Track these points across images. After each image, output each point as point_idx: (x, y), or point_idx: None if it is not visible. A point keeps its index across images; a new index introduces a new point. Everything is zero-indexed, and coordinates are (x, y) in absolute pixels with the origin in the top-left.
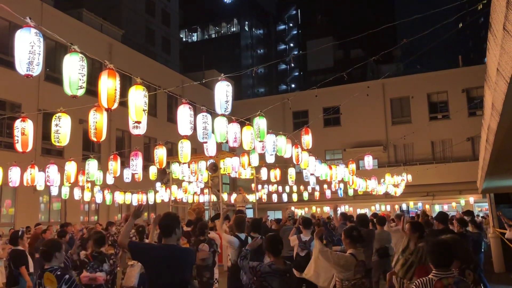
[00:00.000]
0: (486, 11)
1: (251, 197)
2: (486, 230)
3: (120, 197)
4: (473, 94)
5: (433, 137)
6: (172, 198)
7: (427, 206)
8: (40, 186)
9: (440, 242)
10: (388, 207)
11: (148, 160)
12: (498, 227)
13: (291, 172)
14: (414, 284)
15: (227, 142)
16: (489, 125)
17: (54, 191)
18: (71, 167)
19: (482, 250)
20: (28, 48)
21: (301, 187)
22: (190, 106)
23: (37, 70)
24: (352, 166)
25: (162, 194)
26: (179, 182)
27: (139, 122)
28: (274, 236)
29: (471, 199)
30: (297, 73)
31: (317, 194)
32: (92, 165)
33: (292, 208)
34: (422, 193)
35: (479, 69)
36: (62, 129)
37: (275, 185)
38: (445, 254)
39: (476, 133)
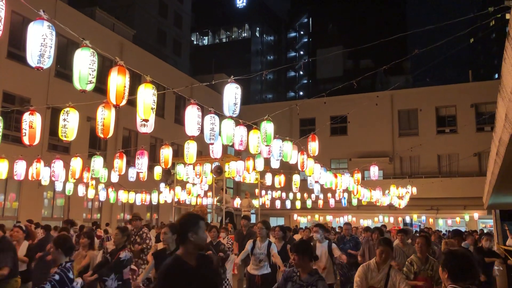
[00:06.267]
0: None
1: (255, 202)
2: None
3: (124, 196)
4: (481, 110)
5: (439, 151)
6: (176, 200)
7: (430, 220)
8: (45, 181)
9: (464, 255)
10: (392, 219)
11: (154, 161)
12: (503, 244)
13: (296, 178)
14: None
15: (233, 145)
16: (501, 137)
17: (59, 187)
18: (76, 163)
19: None
20: (40, 41)
21: (305, 195)
22: (198, 107)
23: (47, 63)
24: (358, 175)
25: (165, 195)
26: (183, 184)
27: (146, 120)
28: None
29: (476, 215)
30: (305, 81)
31: (320, 202)
32: (97, 162)
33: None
34: (426, 206)
35: (489, 84)
36: (69, 124)
37: (279, 191)
38: (468, 268)
39: (484, 149)
